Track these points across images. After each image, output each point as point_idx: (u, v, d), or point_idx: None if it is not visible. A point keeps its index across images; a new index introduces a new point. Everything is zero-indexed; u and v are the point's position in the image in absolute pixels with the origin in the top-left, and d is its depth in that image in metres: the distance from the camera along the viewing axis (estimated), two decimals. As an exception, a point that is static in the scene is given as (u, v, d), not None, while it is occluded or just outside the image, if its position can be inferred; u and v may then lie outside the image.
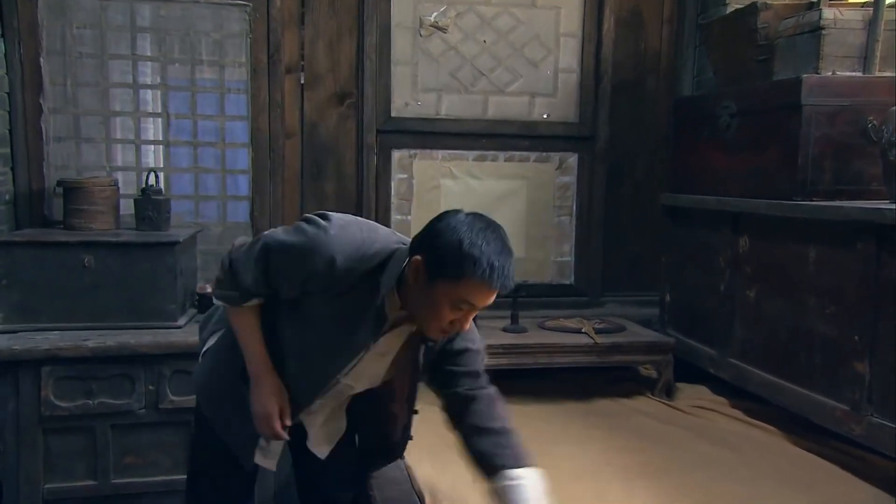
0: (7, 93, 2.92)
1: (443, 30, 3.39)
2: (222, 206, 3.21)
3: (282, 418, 1.65)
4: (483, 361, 1.74)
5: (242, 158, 3.18)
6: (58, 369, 2.41)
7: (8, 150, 2.93)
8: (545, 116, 3.52)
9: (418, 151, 3.41)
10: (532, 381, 3.11)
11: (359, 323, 1.56)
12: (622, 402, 2.98)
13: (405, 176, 3.40)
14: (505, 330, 3.06)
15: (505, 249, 1.47)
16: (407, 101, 3.37)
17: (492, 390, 1.74)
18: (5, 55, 2.91)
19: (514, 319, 3.10)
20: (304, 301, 1.58)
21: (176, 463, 2.53)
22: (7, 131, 2.93)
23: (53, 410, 2.43)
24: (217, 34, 3.11)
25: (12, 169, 2.95)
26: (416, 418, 2.60)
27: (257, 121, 3.17)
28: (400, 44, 3.34)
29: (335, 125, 3.30)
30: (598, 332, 3.05)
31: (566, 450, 2.46)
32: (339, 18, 3.26)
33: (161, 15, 3.05)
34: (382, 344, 1.64)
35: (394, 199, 3.39)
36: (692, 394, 3.07)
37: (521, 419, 2.74)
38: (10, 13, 2.89)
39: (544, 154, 3.55)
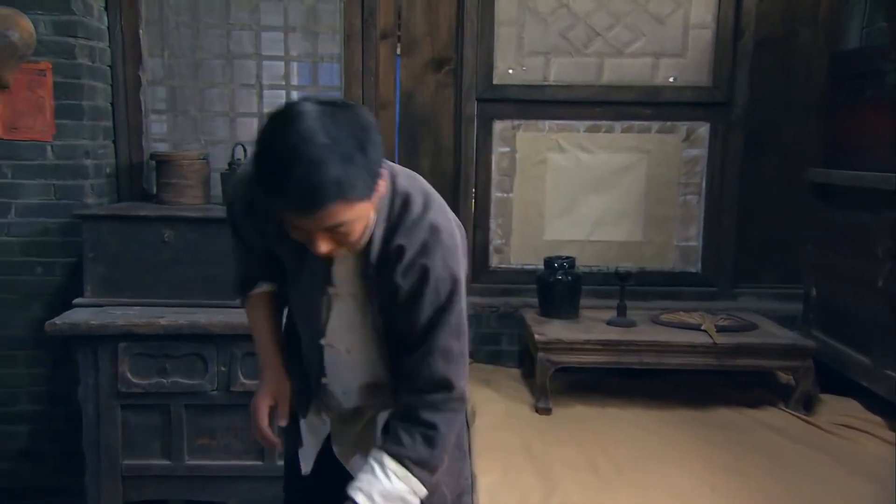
0: (109, 65, 2.94)
1: (554, -16, 3.04)
2: (314, 180, 3.08)
3: (278, 417, 1.48)
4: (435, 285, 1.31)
5: (334, 131, 3.02)
6: (133, 346, 2.39)
7: (110, 124, 2.96)
8: (671, 80, 3.09)
9: (522, 122, 3.09)
10: (638, 382, 2.75)
11: (313, 261, 1.32)
12: (747, 413, 2.55)
13: (507, 149, 3.11)
14: (610, 323, 2.71)
15: (293, 156, 1.09)
16: (511, 66, 3.06)
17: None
18: (108, 27, 2.92)
19: (621, 311, 2.74)
20: (280, 254, 1.41)
21: (248, 448, 2.45)
22: (109, 104, 2.95)
23: (129, 387, 2.41)
24: (311, 0, 2.97)
25: (114, 142, 2.98)
26: (484, 420, 2.37)
27: (350, 90, 3.00)
28: (504, 2, 3.03)
29: (432, 94, 3.06)
30: (720, 330, 2.62)
31: (664, 466, 2.11)
32: (439, -23, 3.01)
33: (254, -19, 2.94)
34: (341, 279, 1.37)
35: (495, 175, 3.11)
36: (838, 408, 2.57)
37: (617, 426, 2.45)
38: (111, -15, 2.90)
39: (669, 124, 3.11)
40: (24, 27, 2.63)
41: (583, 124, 3.10)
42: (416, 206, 1.31)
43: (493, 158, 3.10)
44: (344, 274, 1.36)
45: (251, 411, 1.49)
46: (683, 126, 3.12)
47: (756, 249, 3.12)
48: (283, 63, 3.00)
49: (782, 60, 3.05)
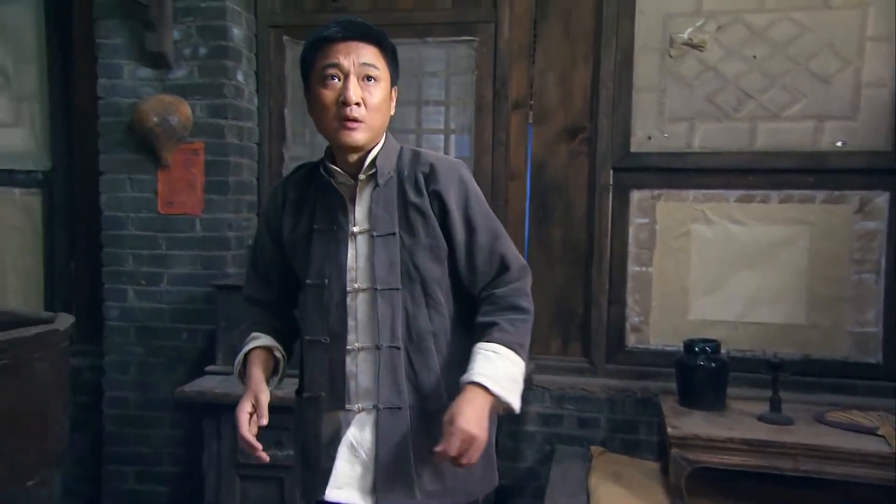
0: (257, 143, 3.12)
1: (699, 47, 2.84)
2: (444, 252, 3.04)
3: (259, 417, 1.47)
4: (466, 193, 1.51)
5: (463, 202, 2.98)
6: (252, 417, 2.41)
7: (255, 198, 3.12)
8: (839, 144, 2.75)
9: (663, 191, 2.88)
10: (795, 492, 2.37)
11: (331, 211, 1.49)
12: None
13: (646, 220, 2.89)
14: (761, 419, 2.38)
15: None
16: (650, 133, 2.88)
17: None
18: (258, 108, 3.12)
19: (775, 406, 2.39)
20: (294, 253, 1.54)
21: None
22: (255, 179, 3.12)
23: (247, 458, 2.42)
24: (444, 73, 2.99)
25: (258, 215, 3.13)
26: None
27: (480, 162, 2.95)
28: (643, 68, 2.87)
29: (565, 163, 2.94)
30: (902, 436, 2.20)
31: None
32: (573, 45, 2.92)
33: (390, 59, 3.01)
34: (361, 219, 1.48)
35: (631, 248, 2.90)
36: None
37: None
38: (263, 69, 3.09)
39: (837, 193, 2.76)
40: (182, 112, 2.86)
41: (733, 193, 2.82)
42: (423, 154, 1.52)
43: (630, 230, 2.90)
44: (362, 214, 1.47)
45: (235, 419, 1.47)
46: (855, 195, 2.75)
47: (952, 339, 2.65)
48: (414, 136, 3.02)
49: (979, 118, 2.62)
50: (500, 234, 1.51)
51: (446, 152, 3.00)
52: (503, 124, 2.93)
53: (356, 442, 1.45)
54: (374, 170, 1.47)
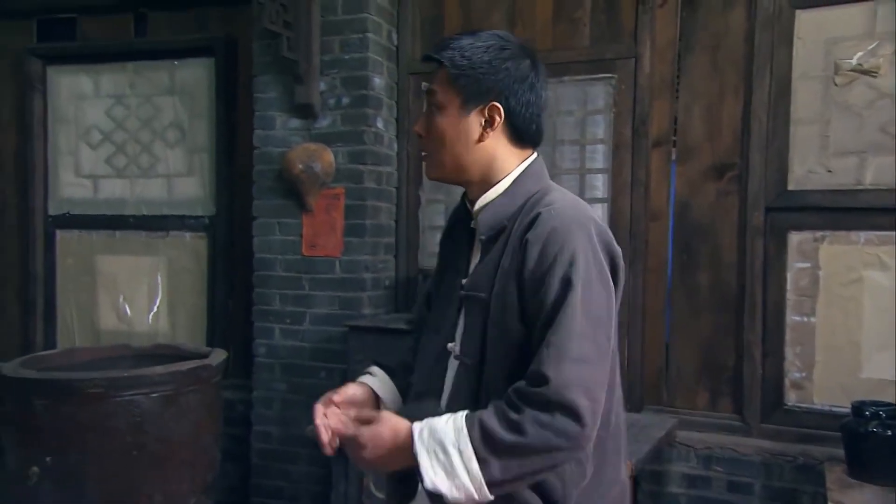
0: (395, 187, 3.20)
1: (871, 73, 2.55)
2: (580, 297, 2.91)
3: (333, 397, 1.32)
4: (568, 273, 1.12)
5: (600, 245, 2.85)
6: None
7: (392, 240, 3.18)
8: None
9: (828, 233, 2.58)
10: None
11: (454, 253, 1.34)
12: None
13: (807, 265, 2.60)
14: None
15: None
16: (811, 168, 2.60)
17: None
18: (396, 153, 3.20)
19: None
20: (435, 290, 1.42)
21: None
22: (393, 222, 3.19)
23: (372, 500, 2.43)
24: (580, 112, 2.90)
25: (395, 256, 3.19)
26: None
27: (618, 202, 2.82)
28: (803, 98, 2.62)
29: (711, 203, 2.73)
30: None
31: None
32: (721, 77, 2.73)
33: (525, 100, 2.98)
34: (472, 270, 1.28)
35: (790, 296, 2.62)
36: None
37: None
38: (402, 115, 3.18)
39: None
40: (325, 159, 2.99)
41: (913, 235, 2.48)
42: (544, 200, 1.22)
43: (789, 275, 2.62)
44: (473, 267, 1.28)
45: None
46: None
47: None
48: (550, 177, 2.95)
49: None
50: (577, 332, 1.09)
51: (581, 193, 2.89)
52: (643, 162, 2.79)
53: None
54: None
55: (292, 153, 3.01)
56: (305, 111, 3.04)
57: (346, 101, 3.00)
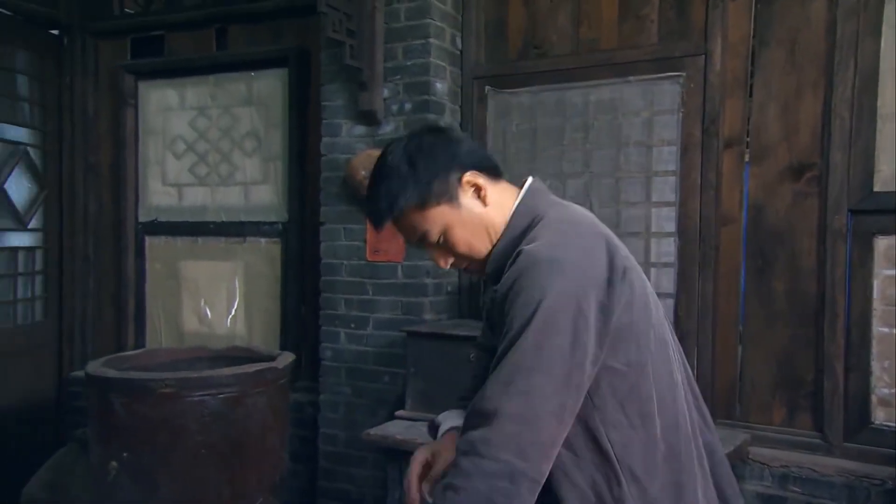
0: (459, 193, 3.17)
1: (969, 61, 2.33)
2: (646, 304, 2.80)
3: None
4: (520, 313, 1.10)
5: (667, 249, 2.73)
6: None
7: (457, 246, 3.16)
8: None
9: (919, 237, 2.37)
10: None
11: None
12: None
13: (896, 272, 2.40)
14: None
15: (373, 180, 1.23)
16: (900, 167, 2.40)
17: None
18: (462, 159, 3.17)
19: None
20: None
21: None
22: (457, 228, 3.17)
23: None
24: (646, 112, 2.79)
25: (459, 262, 3.17)
26: None
27: (687, 205, 2.69)
28: (891, 92, 2.42)
29: (788, 206, 2.56)
30: None
31: None
32: (799, 73, 2.56)
33: (590, 100, 2.90)
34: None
35: (876, 305, 2.42)
36: None
37: None
38: (466, 120, 3.16)
39: None
40: (389, 164, 3.01)
41: None
42: (530, 235, 1.18)
43: (875, 283, 2.43)
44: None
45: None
46: None
47: None
48: (613, 180, 2.85)
49: None
50: (523, 367, 1.08)
51: (648, 196, 2.79)
52: (713, 164, 2.65)
53: None
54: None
55: (356, 160, 3.04)
56: (369, 118, 3.07)
57: (408, 106, 3.01)
